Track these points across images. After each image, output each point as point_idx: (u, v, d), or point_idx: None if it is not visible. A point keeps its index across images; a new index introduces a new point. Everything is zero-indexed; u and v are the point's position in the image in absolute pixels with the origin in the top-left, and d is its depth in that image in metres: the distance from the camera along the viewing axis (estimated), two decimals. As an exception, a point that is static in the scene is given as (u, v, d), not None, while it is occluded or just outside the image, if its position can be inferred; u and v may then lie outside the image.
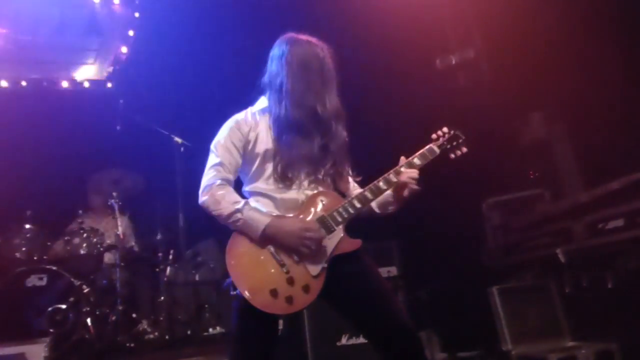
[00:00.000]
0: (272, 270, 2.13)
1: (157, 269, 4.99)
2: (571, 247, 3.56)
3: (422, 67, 5.15)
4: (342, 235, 2.20)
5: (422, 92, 4.99)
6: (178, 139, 4.91)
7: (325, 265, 2.15)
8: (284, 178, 2.22)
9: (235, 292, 2.12)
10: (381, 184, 2.24)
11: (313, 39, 2.35)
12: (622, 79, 4.15)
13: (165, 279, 4.98)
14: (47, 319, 4.14)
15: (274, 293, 2.08)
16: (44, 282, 4.25)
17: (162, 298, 4.85)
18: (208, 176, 2.26)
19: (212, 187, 2.23)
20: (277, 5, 5.09)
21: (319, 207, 2.22)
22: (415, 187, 2.23)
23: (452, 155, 2.32)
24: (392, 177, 2.24)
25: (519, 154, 5.11)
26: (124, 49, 5.83)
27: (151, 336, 4.62)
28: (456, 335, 4.58)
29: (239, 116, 2.36)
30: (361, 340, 3.76)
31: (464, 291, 4.57)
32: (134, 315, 4.75)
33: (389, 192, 2.28)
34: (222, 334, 4.98)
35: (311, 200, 2.23)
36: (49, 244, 4.64)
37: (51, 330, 4.08)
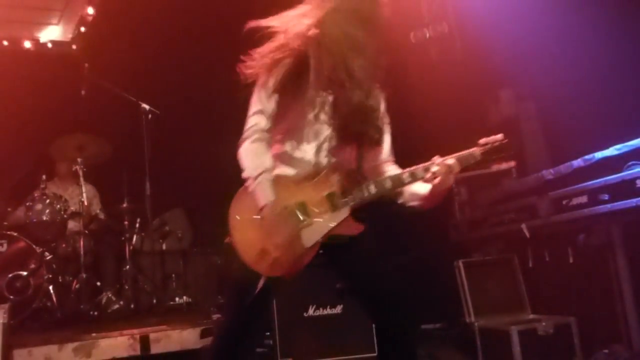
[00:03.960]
0: (267, 232, 2.09)
1: (123, 238, 4.92)
2: (535, 223, 3.62)
3: (396, 40, 5.11)
4: (346, 215, 2.13)
5: (396, 65, 4.96)
6: (145, 106, 4.79)
7: (320, 239, 2.11)
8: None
9: (229, 240, 2.11)
10: (405, 175, 2.13)
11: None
12: (591, 59, 4.20)
13: (131, 247, 4.92)
14: (7, 285, 4.06)
15: (262, 252, 2.06)
16: (3, 248, 4.16)
17: (127, 267, 4.79)
18: (247, 125, 2.19)
19: (246, 141, 2.16)
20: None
21: (334, 183, 2.15)
22: (449, 184, 2.08)
23: (495, 167, 2.18)
24: (419, 172, 2.12)
25: (488, 131, 5.15)
26: (90, 10, 5.63)
27: (116, 305, 4.57)
28: (421, 308, 4.65)
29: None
30: (328, 311, 3.79)
31: (430, 264, 4.64)
32: (97, 284, 4.69)
33: (424, 189, 2.17)
34: (188, 303, 4.97)
35: (328, 174, 2.16)
36: (9, 209, 4.52)
37: (11, 297, 4.00)
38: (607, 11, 4.12)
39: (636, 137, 3.04)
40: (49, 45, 5.80)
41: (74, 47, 5.86)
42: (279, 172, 2.17)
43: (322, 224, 2.12)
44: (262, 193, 2.09)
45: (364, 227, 2.15)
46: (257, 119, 2.18)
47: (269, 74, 2.19)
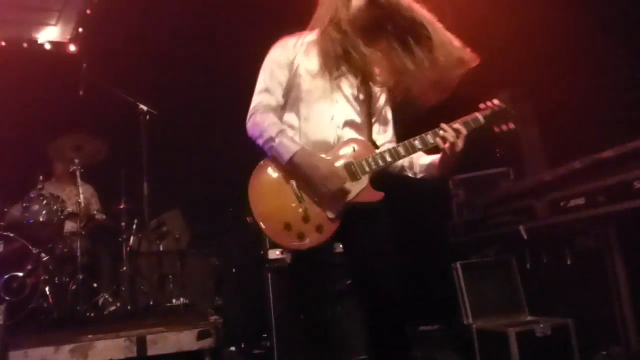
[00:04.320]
0: (290, 204, 2.13)
1: (120, 239, 4.91)
2: (533, 224, 3.62)
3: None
4: (365, 184, 2.19)
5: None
6: (143, 107, 4.78)
7: (342, 210, 2.15)
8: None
9: (250, 219, 2.15)
10: (417, 142, 2.21)
11: None
12: (588, 60, 4.20)
13: (128, 248, 4.91)
14: (3, 286, 4.04)
15: (287, 226, 2.11)
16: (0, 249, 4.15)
17: (125, 268, 4.78)
18: (253, 103, 2.27)
19: (255, 115, 2.24)
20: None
21: (350, 152, 2.21)
22: (459, 148, 2.16)
23: (497, 129, 2.26)
24: (429, 137, 2.20)
25: (485, 132, 5.15)
26: (88, 11, 5.62)
27: (112, 306, 4.56)
28: (418, 309, 4.65)
29: (290, 38, 2.34)
30: (325, 312, 3.78)
31: (427, 266, 4.64)
32: (94, 285, 4.67)
33: (434, 157, 2.28)
34: (185, 304, 4.96)
35: (343, 145, 2.22)
36: (6, 209, 4.50)
37: (7, 297, 3.99)
38: (606, 13, 4.12)
39: (633, 139, 3.04)
40: (47, 45, 5.79)
41: (72, 47, 5.85)
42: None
43: (343, 193, 2.15)
44: (285, 148, 2.13)
45: (383, 195, 2.20)
46: (261, 97, 2.26)
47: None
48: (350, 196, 2.15)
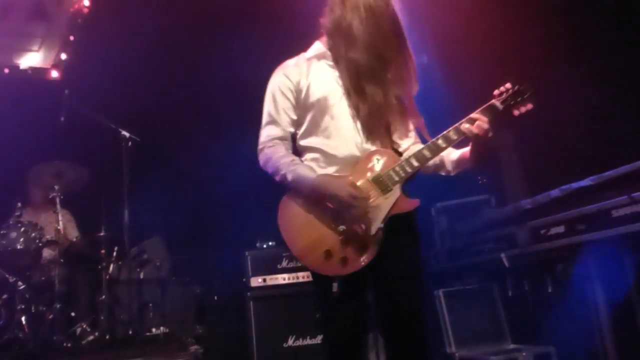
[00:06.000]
0: (326, 231, 2.07)
1: (99, 267, 4.82)
2: (514, 252, 3.65)
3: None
4: (399, 194, 2.12)
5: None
6: (125, 133, 4.75)
7: (382, 225, 2.08)
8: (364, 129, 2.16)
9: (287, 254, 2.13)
10: (440, 141, 2.13)
11: None
12: (569, 90, 4.29)
13: (108, 276, 4.82)
14: (-23, 317, 3.94)
15: (328, 254, 2.04)
16: (-26, 278, 4.05)
17: (104, 297, 4.69)
18: (261, 137, 2.24)
19: (263, 150, 2.21)
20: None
21: (375, 165, 2.15)
22: (488, 136, 2.09)
23: (516, 112, 2.15)
24: (452, 134, 2.13)
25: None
26: (71, 37, 5.62)
27: (90, 336, 4.46)
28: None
29: (289, 62, 2.29)
30: (308, 341, 3.75)
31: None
32: (72, 314, 4.57)
33: (464, 150, 2.22)
34: (165, 334, 4.86)
35: (367, 159, 2.16)
36: (-18, 237, 4.41)
37: (-19, 328, 3.89)
38: (586, 40, 4.22)
39: (610, 169, 3.10)
40: (29, 71, 5.76)
41: (54, 73, 5.83)
42: (320, 173, 2.16)
43: (379, 208, 2.10)
44: (303, 179, 2.10)
45: (419, 202, 2.15)
46: (267, 130, 2.23)
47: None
48: (386, 209, 2.09)
